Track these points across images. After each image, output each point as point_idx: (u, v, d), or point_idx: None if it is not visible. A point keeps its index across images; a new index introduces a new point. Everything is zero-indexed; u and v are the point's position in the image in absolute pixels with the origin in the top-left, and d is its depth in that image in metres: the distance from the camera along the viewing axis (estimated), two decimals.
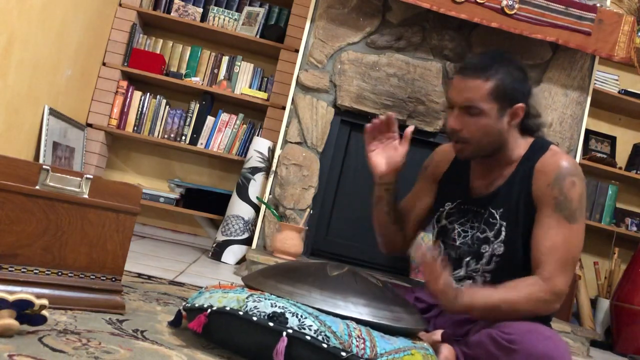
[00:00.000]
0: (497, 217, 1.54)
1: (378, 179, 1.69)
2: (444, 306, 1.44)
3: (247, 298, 1.22)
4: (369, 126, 1.67)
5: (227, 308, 1.21)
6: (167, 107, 3.56)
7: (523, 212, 1.51)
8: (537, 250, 1.46)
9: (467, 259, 1.58)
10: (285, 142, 3.06)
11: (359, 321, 1.23)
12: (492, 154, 1.55)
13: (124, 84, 3.48)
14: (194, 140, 3.53)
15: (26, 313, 1.08)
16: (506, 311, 1.40)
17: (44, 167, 1.28)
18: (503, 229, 1.53)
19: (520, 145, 1.56)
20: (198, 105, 3.56)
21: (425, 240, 2.90)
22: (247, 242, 3.12)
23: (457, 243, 1.61)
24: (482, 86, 1.47)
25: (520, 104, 1.51)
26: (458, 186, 1.66)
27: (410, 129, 1.65)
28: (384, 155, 1.67)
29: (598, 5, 2.97)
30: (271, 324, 1.16)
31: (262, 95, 3.54)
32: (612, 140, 3.97)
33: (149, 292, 1.75)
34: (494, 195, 1.56)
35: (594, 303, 3.54)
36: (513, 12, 2.87)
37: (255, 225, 3.07)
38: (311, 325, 1.16)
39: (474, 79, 1.48)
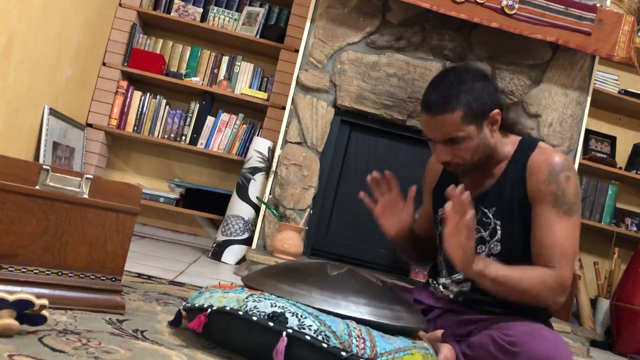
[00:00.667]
0: (491, 216, 1.54)
1: (392, 239, 1.68)
2: (459, 264, 1.40)
3: (247, 298, 1.22)
4: (368, 178, 1.63)
5: (227, 308, 1.21)
6: (167, 107, 3.56)
7: (517, 210, 1.51)
8: (540, 246, 1.46)
9: None
10: (285, 142, 3.06)
11: (359, 321, 1.23)
12: (486, 160, 1.56)
13: (124, 84, 3.48)
14: (194, 140, 3.53)
15: (26, 313, 1.08)
16: (515, 289, 1.41)
17: (44, 167, 1.28)
18: (498, 227, 1.53)
19: (507, 144, 1.57)
20: (198, 105, 3.56)
21: None
22: (247, 242, 3.12)
23: None
24: (452, 118, 1.46)
25: (495, 110, 1.51)
26: None
27: (413, 190, 1.61)
28: (393, 220, 1.65)
29: (598, 5, 2.97)
30: (271, 323, 1.16)
31: (262, 95, 3.55)
32: (612, 140, 3.97)
33: (149, 292, 1.75)
34: (485, 195, 1.57)
35: (594, 303, 3.54)
36: (513, 12, 2.87)
37: (255, 225, 3.07)
38: (311, 325, 1.16)
39: (442, 115, 1.47)
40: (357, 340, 1.16)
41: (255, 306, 1.19)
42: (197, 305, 1.28)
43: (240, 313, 1.19)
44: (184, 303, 1.36)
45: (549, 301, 1.44)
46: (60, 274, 1.33)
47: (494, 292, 1.44)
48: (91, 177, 1.35)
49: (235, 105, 3.69)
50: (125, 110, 3.49)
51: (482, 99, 1.48)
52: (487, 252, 1.54)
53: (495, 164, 1.57)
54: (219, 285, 1.38)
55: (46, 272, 1.31)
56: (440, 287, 1.64)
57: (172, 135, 3.54)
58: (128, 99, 3.49)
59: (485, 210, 1.55)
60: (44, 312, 1.10)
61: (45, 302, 1.09)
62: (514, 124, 1.60)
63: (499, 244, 1.53)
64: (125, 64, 3.48)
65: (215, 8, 3.64)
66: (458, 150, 1.50)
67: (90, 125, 3.43)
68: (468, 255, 1.37)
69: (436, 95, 1.49)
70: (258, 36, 3.62)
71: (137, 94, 3.52)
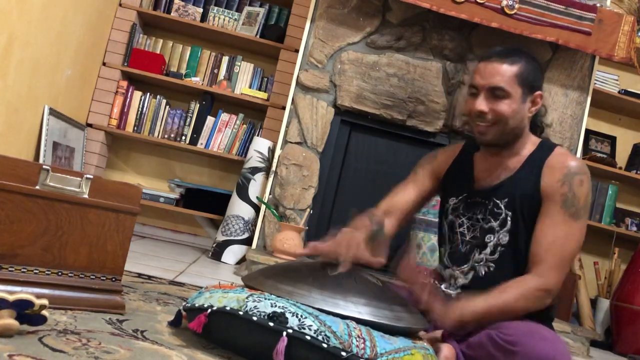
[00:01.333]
0: (502, 207, 1.56)
1: None
2: (437, 323, 1.44)
3: (247, 298, 1.22)
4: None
5: (227, 308, 1.21)
6: (167, 107, 3.56)
7: (527, 206, 1.54)
8: (537, 244, 1.49)
9: (474, 251, 1.59)
10: (285, 142, 3.06)
11: (359, 321, 1.23)
12: (509, 142, 1.58)
13: (124, 84, 3.48)
14: (194, 140, 3.53)
15: (26, 313, 1.08)
16: (499, 315, 1.43)
17: (44, 167, 1.28)
18: (509, 218, 1.55)
19: (530, 139, 1.61)
20: (198, 105, 3.56)
21: (425, 241, 2.90)
22: (247, 242, 3.12)
23: (468, 238, 1.62)
24: (508, 70, 1.52)
25: (540, 92, 1.58)
26: (462, 181, 1.68)
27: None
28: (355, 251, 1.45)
29: (598, 5, 2.97)
30: (271, 323, 1.16)
31: (262, 95, 3.54)
32: (612, 140, 3.97)
33: (149, 292, 1.75)
34: (498, 187, 1.59)
35: (594, 303, 3.54)
36: (513, 12, 2.87)
37: (255, 225, 3.07)
38: (311, 325, 1.16)
39: (501, 63, 1.53)
40: (357, 340, 1.16)
41: (255, 306, 1.19)
42: (197, 305, 1.28)
43: (241, 313, 1.19)
44: (184, 303, 1.36)
45: (538, 307, 1.47)
46: (60, 274, 1.33)
47: (482, 326, 1.44)
48: (91, 177, 1.35)
49: (235, 105, 3.69)
50: (125, 110, 3.49)
51: (536, 74, 1.57)
52: (495, 243, 1.56)
53: (513, 153, 1.59)
54: (219, 285, 1.38)
55: (46, 272, 1.31)
56: (442, 286, 1.64)
57: (172, 135, 3.54)
58: (128, 99, 3.49)
59: (497, 201, 1.57)
60: (44, 312, 1.10)
61: (45, 302, 1.09)
62: (541, 129, 1.66)
63: (508, 234, 1.55)
64: (125, 64, 3.48)
65: (215, 8, 3.64)
66: (498, 105, 1.52)
67: (90, 125, 3.43)
68: (441, 315, 1.41)
69: (500, 49, 1.58)
70: (258, 36, 3.62)
71: (137, 94, 3.51)
